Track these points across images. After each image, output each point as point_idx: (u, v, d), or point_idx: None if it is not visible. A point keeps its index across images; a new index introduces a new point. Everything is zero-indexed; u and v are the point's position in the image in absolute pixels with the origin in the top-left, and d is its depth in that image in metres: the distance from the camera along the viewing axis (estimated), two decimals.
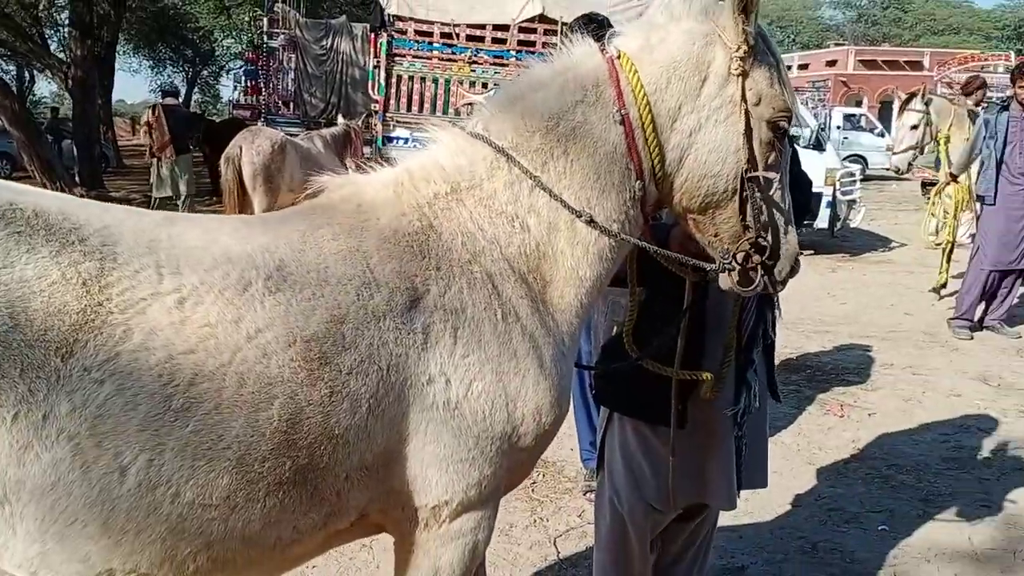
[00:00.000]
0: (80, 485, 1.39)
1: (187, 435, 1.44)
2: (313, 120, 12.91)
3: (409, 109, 9.60)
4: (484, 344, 1.69)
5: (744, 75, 1.77)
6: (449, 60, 9.63)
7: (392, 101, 9.56)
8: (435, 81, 9.64)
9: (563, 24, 9.61)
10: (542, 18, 9.71)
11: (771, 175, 1.83)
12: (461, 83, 9.66)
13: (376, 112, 9.44)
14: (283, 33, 13.25)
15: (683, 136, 1.80)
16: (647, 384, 2.37)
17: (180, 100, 15.05)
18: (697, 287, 2.34)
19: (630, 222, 1.85)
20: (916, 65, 40.13)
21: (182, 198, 10.56)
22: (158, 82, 44.11)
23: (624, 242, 1.87)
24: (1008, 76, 13.04)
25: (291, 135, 8.40)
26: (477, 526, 1.77)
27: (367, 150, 9.44)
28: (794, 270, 1.98)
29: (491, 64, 9.72)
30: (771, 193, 1.86)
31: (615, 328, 2.59)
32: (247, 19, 21.25)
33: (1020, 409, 5.29)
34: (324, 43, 13.53)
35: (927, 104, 7.91)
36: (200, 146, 16.21)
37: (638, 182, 1.81)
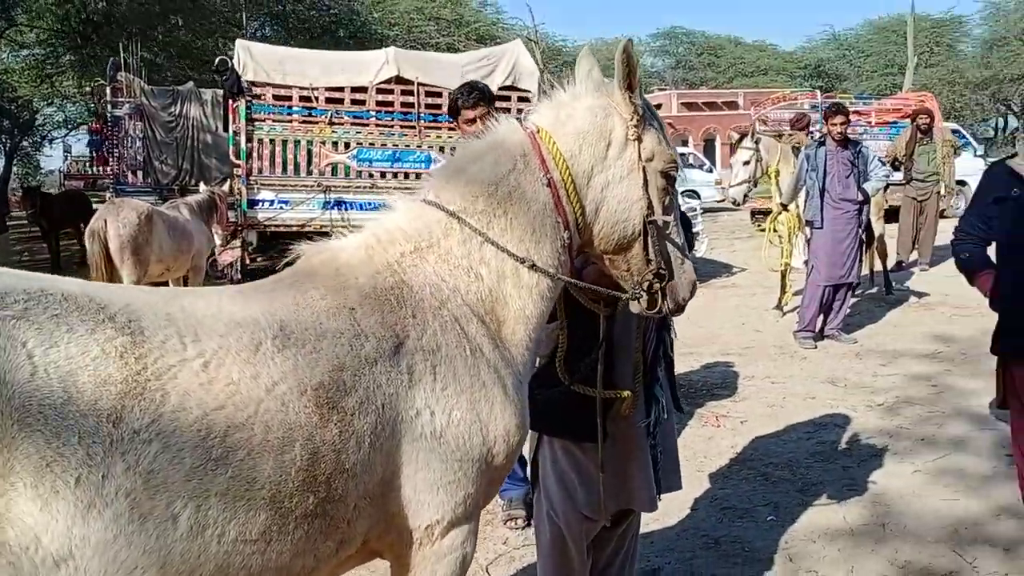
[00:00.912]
0: (139, 535, 1.53)
1: (227, 480, 1.61)
2: (166, 187, 12.63)
3: (273, 171, 9.64)
4: (459, 377, 1.94)
5: (639, 139, 2.14)
6: (309, 122, 9.79)
7: (255, 164, 9.58)
8: (296, 143, 9.76)
9: (418, 83, 10.05)
10: (398, 79, 10.05)
11: (667, 217, 2.22)
12: (323, 143, 9.82)
13: (239, 176, 9.42)
14: (128, 102, 12.93)
15: (596, 192, 2.15)
16: (571, 406, 2.70)
17: None
18: (609, 319, 2.71)
19: (562, 266, 2.17)
20: (732, 105, 43.37)
21: None
22: None
23: (558, 283, 2.20)
24: (814, 111, 14.58)
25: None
26: (465, 540, 2.01)
27: (231, 215, 9.40)
28: (692, 294, 2.36)
29: (351, 124, 9.95)
30: (668, 232, 2.24)
31: (537, 360, 2.92)
32: (88, 88, 20.42)
33: (867, 404, 6.01)
34: (172, 110, 13.30)
35: (756, 143, 8.85)
36: (37, 220, 15.42)
37: (566, 232, 2.14)
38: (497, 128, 2.20)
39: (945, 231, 12.54)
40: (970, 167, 17.77)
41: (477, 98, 4.07)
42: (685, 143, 39.17)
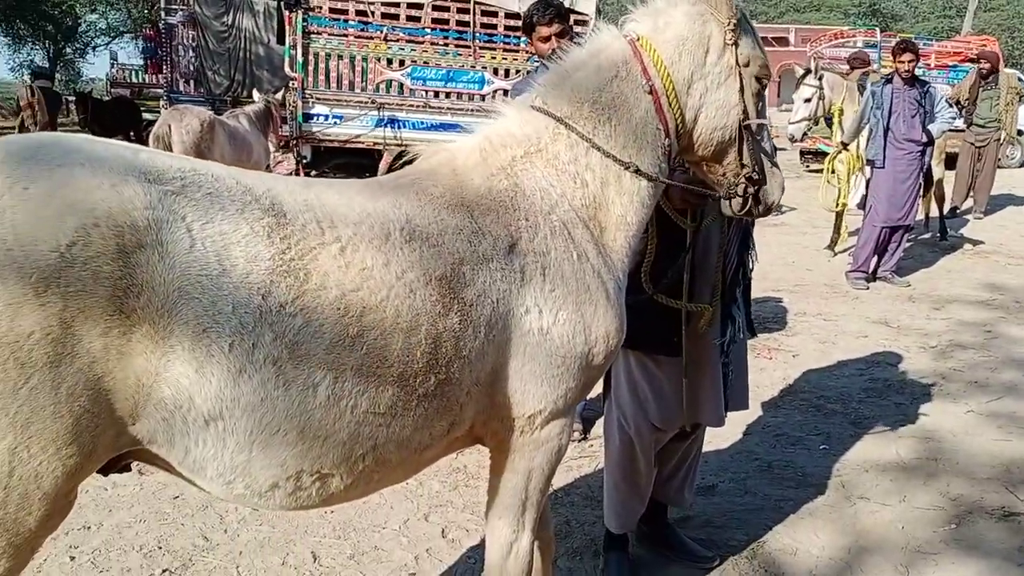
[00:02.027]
0: (283, 400, 1.64)
1: (361, 357, 1.71)
2: (218, 98, 12.68)
3: (328, 86, 9.64)
4: (565, 280, 2.01)
5: (735, 44, 2.17)
6: (364, 38, 9.72)
7: (310, 78, 9.58)
8: (351, 58, 9.72)
9: (474, 2, 9.90)
10: None
11: (762, 120, 2.26)
12: (378, 60, 9.77)
13: (295, 89, 9.43)
14: (181, 9, 12.91)
15: (696, 99, 2.18)
16: (650, 318, 2.76)
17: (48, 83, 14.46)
18: (694, 235, 2.76)
19: (661, 173, 2.22)
20: (783, 41, 42.18)
21: None
22: (17, 60, 41.52)
23: (657, 191, 2.23)
24: (871, 51, 14.16)
25: None
26: (561, 431, 2.11)
27: (285, 128, 9.45)
28: (781, 195, 2.40)
29: (406, 41, 9.87)
30: (760, 137, 2.28)
31: None
32: None
33: (919, 346, 6.02)
34: (225, 20, 13.26)
35: (820, 79, 8.64)
36: (89, 125, 15.61)
37: (666, 139, 2.18)
38: (598, 37, 2.23)
39: (1000, 180, 12.38)
40: None
41: (553, 15, 4.04)
42: None
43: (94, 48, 43.29)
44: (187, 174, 1.66)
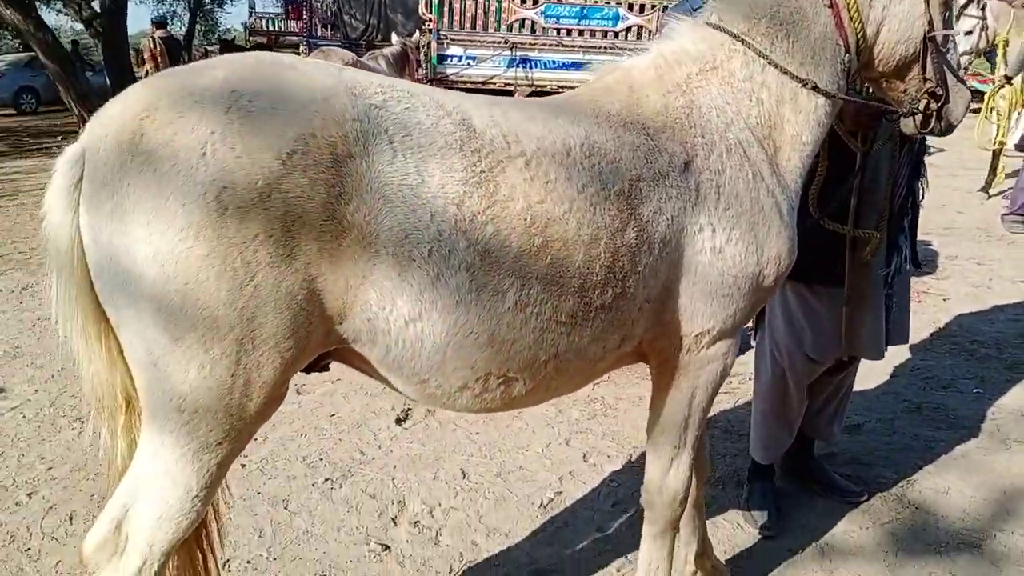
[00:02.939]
0: (476, 304, 1.75)
1: (546, 267, 1.80)
2: (354, 42, 13.01)
3: (462, 27, 9.73)
4: (739, 199, 2.02)
5: None
6: None
7: (444, 20, 9.69)
8: None
9: None
10: None
11: (948, 31, 2.18)
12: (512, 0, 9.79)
13: (431, 31, 9.57)
14: None
15: (878, 11, 2.12)
16: (812, 246, 2.67)
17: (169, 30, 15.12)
18: (866, 156, 2.69)
19: (840, 91, 2.17)
20: None
21: None
22: (160, 11, 43.53)
23: (833, 110, 2.19)
24: None
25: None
26: (727, 351, 2.15)
27: (421, 70, 9.63)
28: (965, 114, 2.32)
29: None
30: (946, 49, 2.19)
31: None
32: None
33: None
34: None
35: (983, 8, 8.03)
36: None
37: (846, 55, 2.13)
38: None
39: None
40: None
41: None
42: None
43: None
44: (387, 90, 1.76)
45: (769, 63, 2.09)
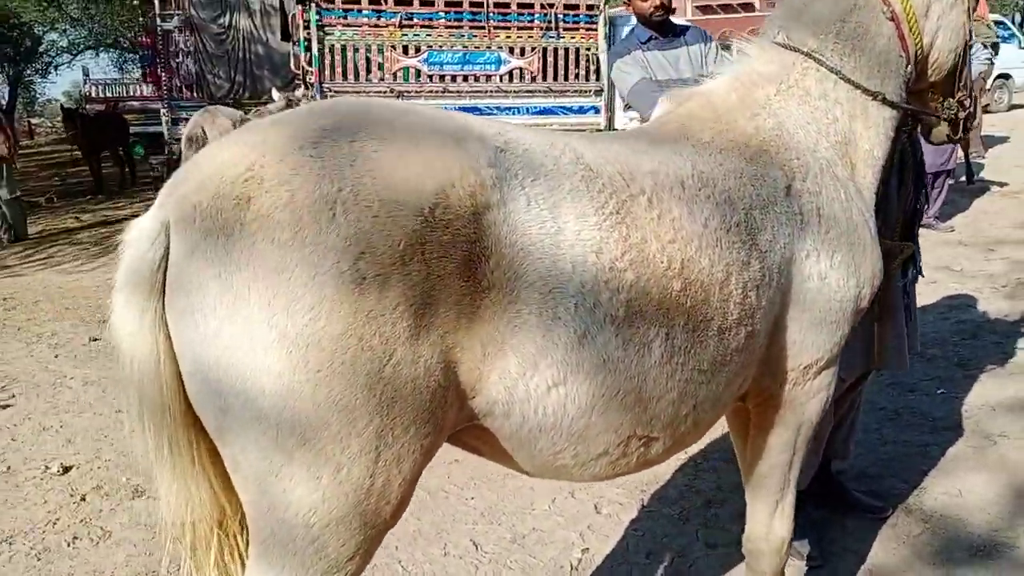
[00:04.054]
0: (622, 361, 1.58)
1: (687, 311, 1.66)
2: (220, 101, 12.45)
3: (345, 78, 9.51)
4: (837, 221, 1.95)
5: None
6: (379, 26, 9.58)
7: (326, 72, 9.44)
8: (367, 48, 9.58)
9: None
10: None
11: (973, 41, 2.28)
12: (394, 48, 9.64)
13: (313, 84, 9.28)
14: (176, 14, 12.64)
15: (933, 22, 2.15)
16: None
17: None
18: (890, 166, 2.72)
19: (903, 102, 2.17)
20: (748, 7, 42.27)
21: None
22: None
23: (895, 123, 2.17)
24: None
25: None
26: (832, 380, 2.07)
27: None
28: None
29: (421, 27, 9.75)
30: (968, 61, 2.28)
31: None
32: (135, 2, 19.80)
33: (990, 287, 6.09)
34: (221, 21, 13.00)
35: None
36: (78, 141, 15.33)
37: (909, 66, 2.14)
38: None
39: (999, 123, 12.45)
40: (1016, 59, 17.55)
41: None
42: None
43: (56, 67, 42.33)
44: (500, 131, 1.59)
45: (841, 78, 2.06)
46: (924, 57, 2.18)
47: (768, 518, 2.16)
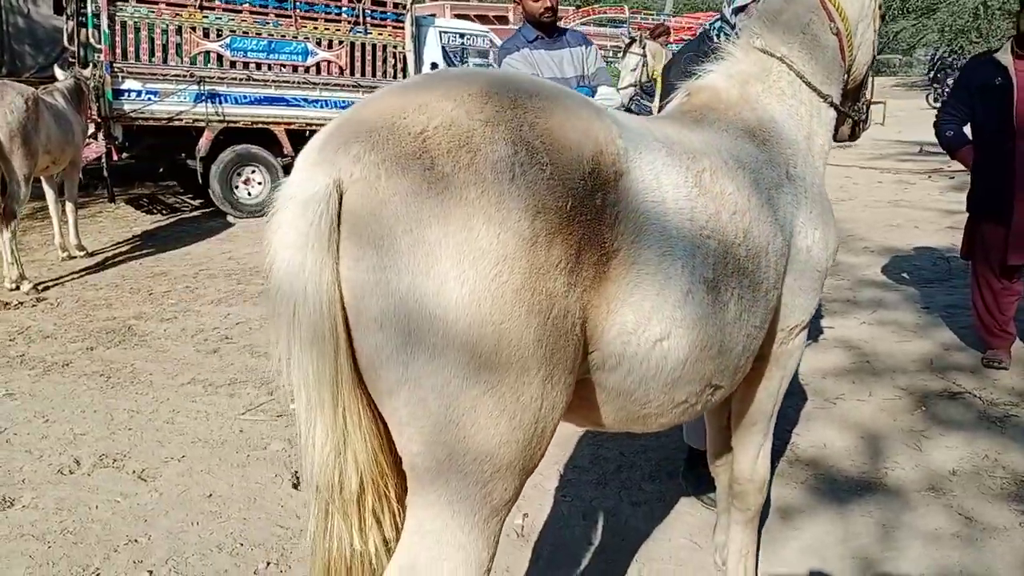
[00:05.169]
0: (711, 317, 1.78)
1: (750, 275, 1.89)
2: None
3: (138, 58, 8.76)
4: (816, 202, 2.26)
5: None
6: (177, 5, 8.93)
7: (117, 51, 8.64)
8: (164, 29, 8.89)
9: None
10: None
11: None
12: (194, 30, 9.03)
13: (102, 63, 8.45)
14: None
15: (858, 38, 2.53)
16: None
17: None
18: None
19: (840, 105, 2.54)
20: (503, 19, 44.04)
21: None
22: None
23: (834, 124, 2.55)
24: (618, 28, 15.39)
25: None
26: (805, 339, 2.38)
27: (93, 106, 8.45)
28: None
29: (224, 10, 9.20)
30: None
31: None
32: None
33: None
34: None
35: (644, 48, 9.40)
36: None
37: (845, 75, 2.52)
38: None
39: None
40: None
41: None
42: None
43: None
44: (604, 105, 1.72)
45: (804, 82, 2.37)
46: (850, 69, 2.56)
47: (753, 461, 2.43)
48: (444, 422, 1.41)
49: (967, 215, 4.76)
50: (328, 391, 1.43)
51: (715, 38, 3.15)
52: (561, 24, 4.62)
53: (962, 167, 4.76)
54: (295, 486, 3.51)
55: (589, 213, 1.49)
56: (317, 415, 1.45)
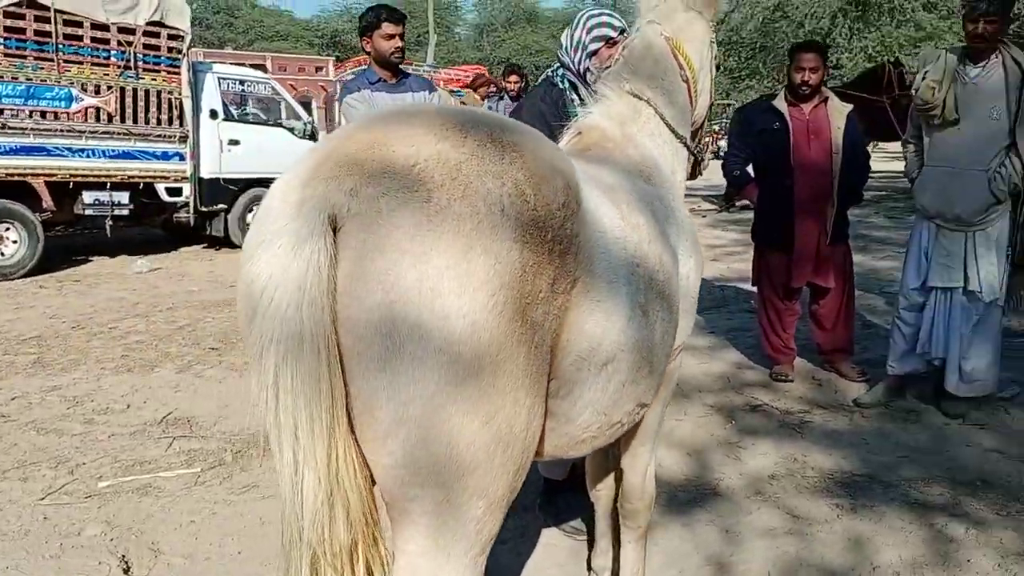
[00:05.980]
0: (646, 339, 1.90)
1: (667, 298, 2.04)
2: None
3: None
4: (689, 232, 2.45)
5: (714, 41, 2.83)
6: None
7: None
8: None
9: (55, 10, 8.76)
10: (30, 3, 8.59)
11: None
12: None
13: None
14: None
15: (700, 84, 2.75)
16: None
17: None
18: None
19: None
20: (261, 68, 42.98)
21: None
22: None
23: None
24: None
25: None
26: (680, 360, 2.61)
27: None
28: None
29: None
30: None
31: None
32: None
33: None
34: None
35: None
36: None
37: (692, 119, 2.74)
38: (644, 34, 2.64)
39: None
40: None
41: (399, 17, 4.39)
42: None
43: None
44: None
45: (666, 123, 2.57)
46: (694, 111, 2.80)
47: (642, 479, 2.58)
48: (445, 462, 1.43)
49: (753, 246, 5.40)
50: (322, 438, 1.39)
51: (560, 83, 3.38)
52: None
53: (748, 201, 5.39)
54: (126, 572, 3.18)
55: (562, 243, 1.56)
56: (307, 464, 1.40)
